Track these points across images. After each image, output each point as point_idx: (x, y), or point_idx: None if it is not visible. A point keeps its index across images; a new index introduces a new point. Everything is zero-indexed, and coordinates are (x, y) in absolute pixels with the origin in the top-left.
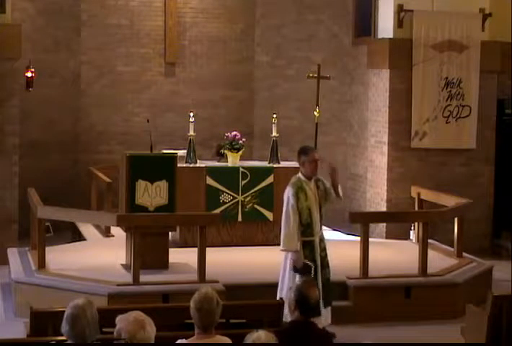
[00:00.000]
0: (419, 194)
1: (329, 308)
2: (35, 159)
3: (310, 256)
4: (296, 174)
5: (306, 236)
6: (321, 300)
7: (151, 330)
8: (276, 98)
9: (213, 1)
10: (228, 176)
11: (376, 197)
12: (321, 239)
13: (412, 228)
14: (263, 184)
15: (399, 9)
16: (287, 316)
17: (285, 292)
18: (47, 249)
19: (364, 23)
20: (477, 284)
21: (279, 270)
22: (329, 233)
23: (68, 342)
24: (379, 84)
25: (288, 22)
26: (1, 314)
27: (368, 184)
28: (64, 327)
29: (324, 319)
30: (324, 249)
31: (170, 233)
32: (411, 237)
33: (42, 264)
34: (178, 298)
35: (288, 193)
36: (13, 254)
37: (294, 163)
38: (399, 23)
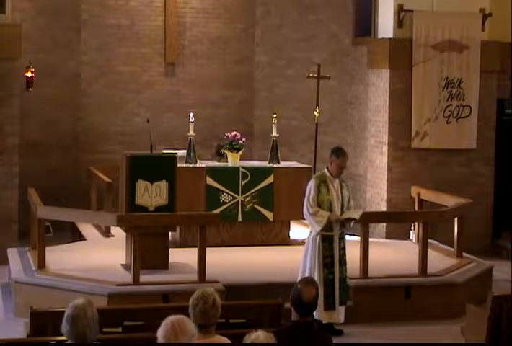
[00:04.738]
0: (419, 194)
1: (343, 307)
2: (35, 159)
3: (329, 250)
4: (322, 170)
5: (326, 231)
6: (337, 297)
7: (182, 338)
8: (276, 98)
9: (213, 1)
10: (228, 176)
11: (376, 197)
12: (342, 237)
13: (412, 228)
14: (263, 184)
15: (399, 9)
16: None
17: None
18: (47, 249)
19: (364, 23)
20: (477, 284)
21: (279, 270)
22: None
23: (68, 342)
24: (379, 84)
25: (288, 22)
26: (1, 314)
27: (368, 184)
28: (64, 327)
29: (337, 316)
30: (343, 248)
31: (170, 233)
32: (411, 237)
33: (42, 264)
34: (178, 298)
35: (311, 185)
36: (13, 254)
37: (294, 163)
38: (399, 23)
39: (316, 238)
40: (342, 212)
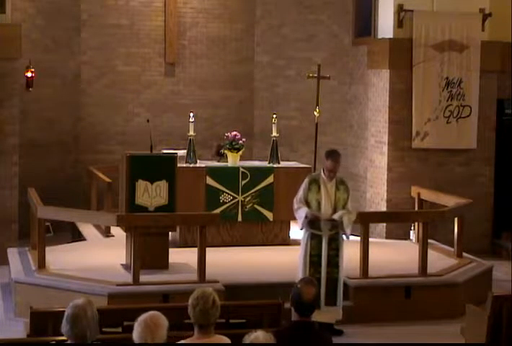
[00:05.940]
0: (419, 194)
1: (338, 307)
2: (35, 159)
3: (316, 249)
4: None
5: (314, 229)
6: (322, 297)
7: (159, 333)
8: (276, 98)
9: (213, 1)
10: (228, 176)
11: (376, 197)
12: (335, 239)
13: (412, 228)
14: (263, 184)
15: (399, 9)
16: None
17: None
18: (47, 249)
19: (364, 23)
20: (477, 284)
21: (279, 270)
22: None
23: (68, 341)
24: (379, 84)
25: (288, 22)
26: (1, 314)
27: (368, 184)
28: (64, 327)
29: (321, 316)
30: (334, 249)
31: (170, 233)
32: (411, 237)
33: (42, 264)
34: (178, 298)
35: (303, 183)
36: (13, 254)
37: (294, 163)
38: (399, 23)
39: (305, 236)
40: (335, 211)
